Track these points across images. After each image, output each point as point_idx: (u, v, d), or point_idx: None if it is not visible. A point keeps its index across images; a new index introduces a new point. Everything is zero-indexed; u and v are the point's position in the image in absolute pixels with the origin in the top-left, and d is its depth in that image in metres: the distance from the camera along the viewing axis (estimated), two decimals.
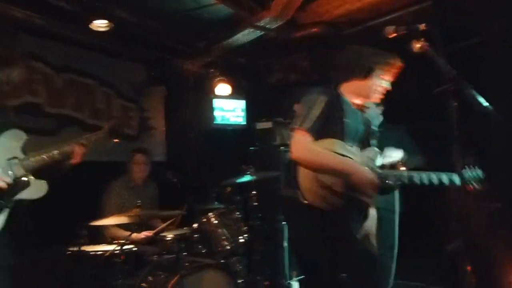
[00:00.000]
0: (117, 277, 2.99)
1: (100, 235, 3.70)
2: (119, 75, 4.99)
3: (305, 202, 2.27)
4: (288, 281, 4.43)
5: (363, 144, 2.48)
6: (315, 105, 2.31)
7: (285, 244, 4.48)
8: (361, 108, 2.51)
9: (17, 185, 2.10)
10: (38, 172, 2.24)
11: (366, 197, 2.28)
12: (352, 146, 2.39)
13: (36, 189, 2.19)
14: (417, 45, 1.81)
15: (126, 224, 3.23)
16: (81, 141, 2.44)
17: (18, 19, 3.71)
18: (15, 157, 2.12)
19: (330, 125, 2.32)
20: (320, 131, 2.28)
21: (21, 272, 3.68)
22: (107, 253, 3.10)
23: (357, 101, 2.49)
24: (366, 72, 2.40)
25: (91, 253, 3.22)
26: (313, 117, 2.27)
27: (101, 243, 3.50)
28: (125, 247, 3.05)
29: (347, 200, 2.28)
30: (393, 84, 2.50)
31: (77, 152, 2.39)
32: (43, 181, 2.23)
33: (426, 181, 2.43)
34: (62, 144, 2.35)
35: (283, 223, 4.52)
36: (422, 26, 1.81)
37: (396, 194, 3.42)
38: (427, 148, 3.55)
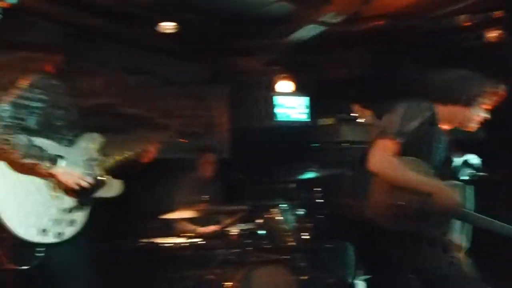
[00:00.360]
0: (185, 269, 3.11)
1: (169, 229, 3.86)
2: (186, 75, 5.17)
3: (369, 216, 2.10)
4: (353, 280, 4.35)
5: (442, 175, 2.19)
6: (417, 117, 2.09)
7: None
8: (447, 134, 2.28)
9: (96, 184, 2.21)
10: (113, 172, 2.35)
11: (441, 224, 2.08)
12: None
13: (112, 188, 2.32)
14: (492, 34, 1.67)
15: (194, 218, 3.34)
16: (152, 141, 2.55)
17: (93, 26, 3.96)
18: (92, 158, 2.25)
19: (420, 143, 2.11)
20: (408, 147, 2.08)
21: (97, 262, 3.97)
22: (176, 246, 3.23)
23: (446, 126, 2.26)
24: (469, 100, 2.16)
25: (161, 245, 3.38)
26: (410, 129, 2.06)
27: (171, 236, 3.67)
28: (193, 240, 3.16)
29: (417, 225, 2.09)
30: None
31: (149, 151, 2.50)
32: (118, 180, 2.35)
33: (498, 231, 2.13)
34: (134, 145, 2.47)
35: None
36: (499, 13, 1.67)
37: None
38: None
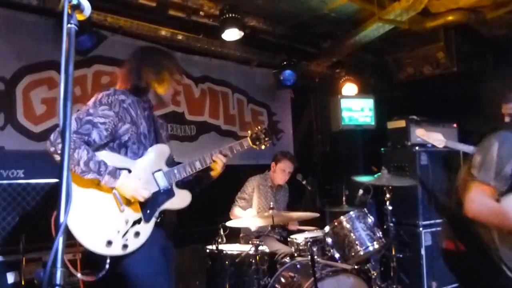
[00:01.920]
0: (252, 277, 3.09)
1: (237, 236, 3.88)
2: (250, 81, 5.21)
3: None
4: None
5: None
6: (488, 152, 1.92)
7: (423, 251, 4.17)
8: None
9: (161, 195, 2.18)
10: (182, 183, 2.33)
11: None
12: None
13: (180, 199, 2.26)
14: None
15: (264, 225, 3.31)
16: (223, 151, 2.42)
17: (163, 37, 4.10)
18: (160, 170, 2.22)
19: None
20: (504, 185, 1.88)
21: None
22: (243, 253, 3.23)
23: None
24: None
25: (228, 252, 3.40)
26: (508, 173, 1.87)
27: (237, 243, 3.68)
28: (259, 248, 3.14)
29: None
30: None
31: (219, 162, 2.40)
32: (186, 191, 2.30)
33: None
34: (204, 155, 2.37)
35: (420, 229, 4.23)
36: None
37: None
38: None
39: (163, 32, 4.07)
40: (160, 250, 2.15)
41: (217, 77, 4.90)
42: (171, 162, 2.30)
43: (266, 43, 4.76)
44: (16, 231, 2.73)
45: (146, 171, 2.17)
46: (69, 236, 1.83)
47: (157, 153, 2.23)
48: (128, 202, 2.08)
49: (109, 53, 4.00)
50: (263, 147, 2.56)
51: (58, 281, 0.85)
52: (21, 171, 2.89)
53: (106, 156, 2.08)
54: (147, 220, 2.11)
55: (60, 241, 0.87)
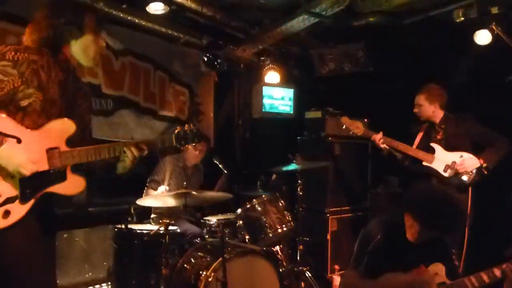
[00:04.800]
0: (161, 256, 3.06)
1: (148, 215, 3.80)
2: (174, 59, 5.08)
3: None
4: (331, 275, 4.36)
5: None
6: None
7: (328, 236, 4.42)
8: None
9: (49, 176, 1.92)
10: (79, 167, 2.04)
11: None
12: None
13: (71, 185, 1.99)
14: (487, 31, 1.65)
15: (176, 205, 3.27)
16: (140, 144, 2.14)
17: (81, 4, 3.82)
18: (56, 148, 1.94)
19: None
20: None
21: (73, 245, 3.90)
22: (152, 232, 3.17)
23: None
24: None
25: (137, 231, 3.32)
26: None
27: (148, 223, 3.60)
28: (169, 227, 3.11)
29: None
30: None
31: (130, 156, 2.10)
32: (81, 178, 2.03)
33: None
34: (115, 144, 2.09)
35: (328, 215, 4.46)
36: (495, 10, 1.65)
37: None
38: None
39: None
40: (34, 237, 1.90)
41: (140, 51, 4.71)
42: (73, 141, 2.00)
43: (193, 22, 4.65)
44: None
45: (39, 146, 1.89)
46: None
47: (58, 127, 1.95)
48: (6, 175, 1.82)
49: (16, 10, 3.61)
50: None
51: None
52: None
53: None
54: (24, 200, 1.85)
55: None
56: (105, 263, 3.98)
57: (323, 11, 4.13)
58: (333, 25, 4.56)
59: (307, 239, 3.98)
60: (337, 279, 4.27)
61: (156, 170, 3.93)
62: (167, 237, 3.03)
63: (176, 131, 2.27)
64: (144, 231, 3.32)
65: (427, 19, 4.25)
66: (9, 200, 1.82)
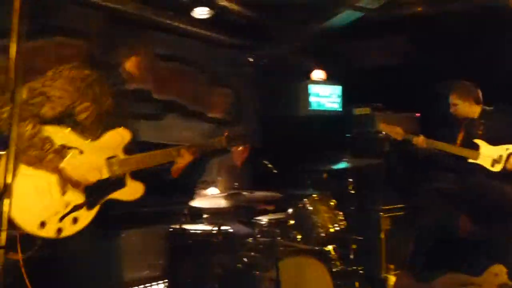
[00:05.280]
0: (214, 256, 3.11)
1: (200, 215, 3.87)
2: (218, 61, 5.15)
3: None
4: (385, 274, 4.26)
5: None
6: None
7: (382, 235, 4.31)
8: None
9: (111, 184, 2.03)
10: (137, 174, 2.13)
11: None
12: None
13: (131, 191, 2.10)
14: None
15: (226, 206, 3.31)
16: (192, 148, 2.23)
17: (131, 11, 3.97)
18: (115, 156, 2.06)
19: None
20: None
21: (129, 244, 4.05)
22: (206, 233, 3.23)
23: None
24: None
25: (191, 231, 3.40)
26: None
27: (200, 223, 3.67)
28: (221, 228, 3.15)
29: None
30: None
31: (184, 160, 2.21)
32: (139, 184, 2.13)
33: None
34: (171, 149, 2.19)
35: (381, 213, 4.35)
36: None
37: None
38: None
39: (131, 5, 3.94)
40: (98, 238, 2.03)
41: (186, 56, 4.81)
42: (130, 149, 2.11)
43: (235, 24, 4.70)
44: None
45: (99, 155, 2.01)
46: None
47: (115, 137, 2.07)
48: (72, 185, 1.93)
49: (72, 24, 3.82)
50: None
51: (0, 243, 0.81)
52: None
53: (57, 132, 1.93)
54: (90, 207, 1.97)
55: (4, 204, 0.84)
56: (160, 262, 4.09)
57: (367, 4, 4.05)
58: (377, 17, 4.45)
59: (360, 238, 3.90)
60: (392, 279, 4.17)
61: (206, 172, 4.00)
62: (219, 237, 3.08)
63: (226, 134, 2.37)
64: (197, 231, 3.39)
65: (476, 6, 4.06)
66: (77, 208, 1.94)
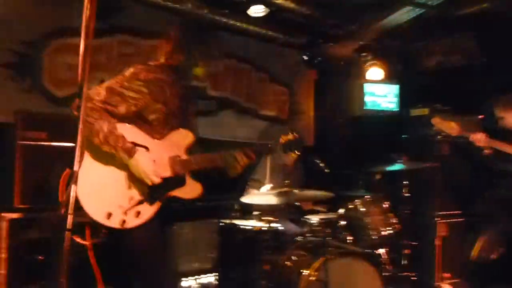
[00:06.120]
0: (263, 252, 3.13)
1: (250, 211, 3.91)
2: (273, 59, 5.18)
3: None
4: (438, 283, 4.09)
5: None
6: None
7: (437, 241, 4.14)
8: None
9: (172, 182, 2.13)
10: (197, 174, 2.24)
11: None
12: None
13: (190, 190, 2.20)
14: None
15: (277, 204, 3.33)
16: (248, 152, 2.30)
17: (188, 10, 4.08)
18: (177, 156, 2.16)
19: None
20: None
21: (181, 237, 4.17)
22: (256, 229, 3.26)
23: None
24: None
25: (241, 227, 3.45)
26: None
27: (250, 219, 3.72)
28: (271, 225, 3.17)
29: None
30: None
31: (240, 163, 2.29)
32: (198, 184, 2.23)
33: None
34: (227, 152, 2.27)
35: (436, 219, 4.18)
36: None
37: None
38: None
39: (189, 4, 4.05)
40: (157, 230, 2.14)
41: (241, 53, 4.88)
42: (191, 150, 2.24)
43: (291, 22, 4.69)
44: (38, 190, 2.80)
45: (163, 154, 2.13)
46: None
47: (179, 138, 2.20)
48: (137, 181, 2.06)
49: (133, 23, 4.02)
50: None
51: (68, 226, 0.88)
52: (44, 133, 2.96)
53: (129, 130, 2.06)
54: (152, 202, 2.09)
55: (72, 189, 0.90)
56: (210, 255, 4.19)
57: (428, 0, 3.90)
58: (439, 15, 4.27)
59: (414, 243, 3.77)
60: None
61: (256, 170, 4.03)
62: (269, 234, 3.10)
63: (283, 140, 2.42)
64: (247, 227, 3.43)
65: None
66: (140, 202, 2.07)
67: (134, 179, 2.06)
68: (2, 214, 2.83)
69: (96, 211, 1.98)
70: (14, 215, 2.85)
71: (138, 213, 2.05)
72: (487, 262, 2.05)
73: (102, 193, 2.00)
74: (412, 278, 3.59)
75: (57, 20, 3.62)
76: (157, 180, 2.06)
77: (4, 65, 3.40)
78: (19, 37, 3.47)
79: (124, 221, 2.01)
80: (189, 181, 2.21)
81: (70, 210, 0.89)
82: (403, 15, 4.23)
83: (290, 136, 2.42)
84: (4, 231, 2.80)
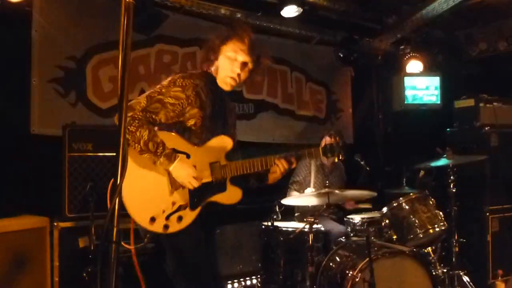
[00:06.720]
0: (306, 254, 3.11)
1: (291, 213, 3.90)
2: (308, 59, 5.14)
3: None
4: (492, 280, 3.92)
5: None
6: None
7: (489, 238, 3.96)
8: None
9: (213, 187, 2.15)
10: (236, 180, 2.24)
11: None
12: None
13: (231, 195, 2.22)
14: None
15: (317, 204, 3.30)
16: (288, 157, 2.28)
17: (223, 15, 4.14)
18: (217, 161, 2.17)
19: None
20: None
21: (224, 240, 4.23)
22: (298, 230, 3.25)
23: None
24: None
25: (283, 228, 3.44)
26: None
27: (292, 220, 3.71)
28: (313, 226, 3.14)
29: None
30: None
31: (281, 168, 2.26)
32: (238, 189, 2.23)
33: None
34: (267, 157, 2.25)
35: (487, 214, 4.00)
36: None
37: None
38: None
39: (223, 10, 4.11)
40: (200, 234, 2.17)
41: (276, 55, 4.87)
42: (231, 155, 2.24)
43: (326, 19, 4.65)
44: (86, 200, 2.93)
45: (203, 160, 2.15)
46: (122, 207, 1.94)
47: (219, 143, 2.20)
48: (179, 186, 2.10)
49: (171, 33, 4.13)
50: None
51: (114, 238, 0.91)
52: (89, 145, 3.10)
53: (168, 137, 2.10)
54: (193, 208, 2.12)
55: (116, 202, 0.94)
56: (253, 257, 4.21)
57: None
58: (482, 1, 4.09)
59: (463, 240, 3.62)
60: (501, 286, 3.82)
61: (296, 172, 4.00)
62: (311, 235, 3.08)
63: (324, 144, 2.39)
64: (289, 229, 3.42)
65: None
66: (181, 208, 2.11)
67: (176, 185, 2.10)
68: (55, 223, 2.99)
69: (140, 216, 2.04)
70: (66, 224, 3.01)
71: (180, 218, 2.09)
72: None
73: (145, 198, 2.06)
74: (463, 276, 3.45)
75: (98, 34, 3.78)
76: (197, 186, 2.10)
77: (52, 81, 3.58)
78: (64, 53, 3.65)
79: (166, 226, 2.06)
80: (230, 187, 2.22)
81: (115, 223, 0.93)
82: (443, 3, 4.08)
83: (332, 141, 2.39)
84: (56, 240, 2.96)
